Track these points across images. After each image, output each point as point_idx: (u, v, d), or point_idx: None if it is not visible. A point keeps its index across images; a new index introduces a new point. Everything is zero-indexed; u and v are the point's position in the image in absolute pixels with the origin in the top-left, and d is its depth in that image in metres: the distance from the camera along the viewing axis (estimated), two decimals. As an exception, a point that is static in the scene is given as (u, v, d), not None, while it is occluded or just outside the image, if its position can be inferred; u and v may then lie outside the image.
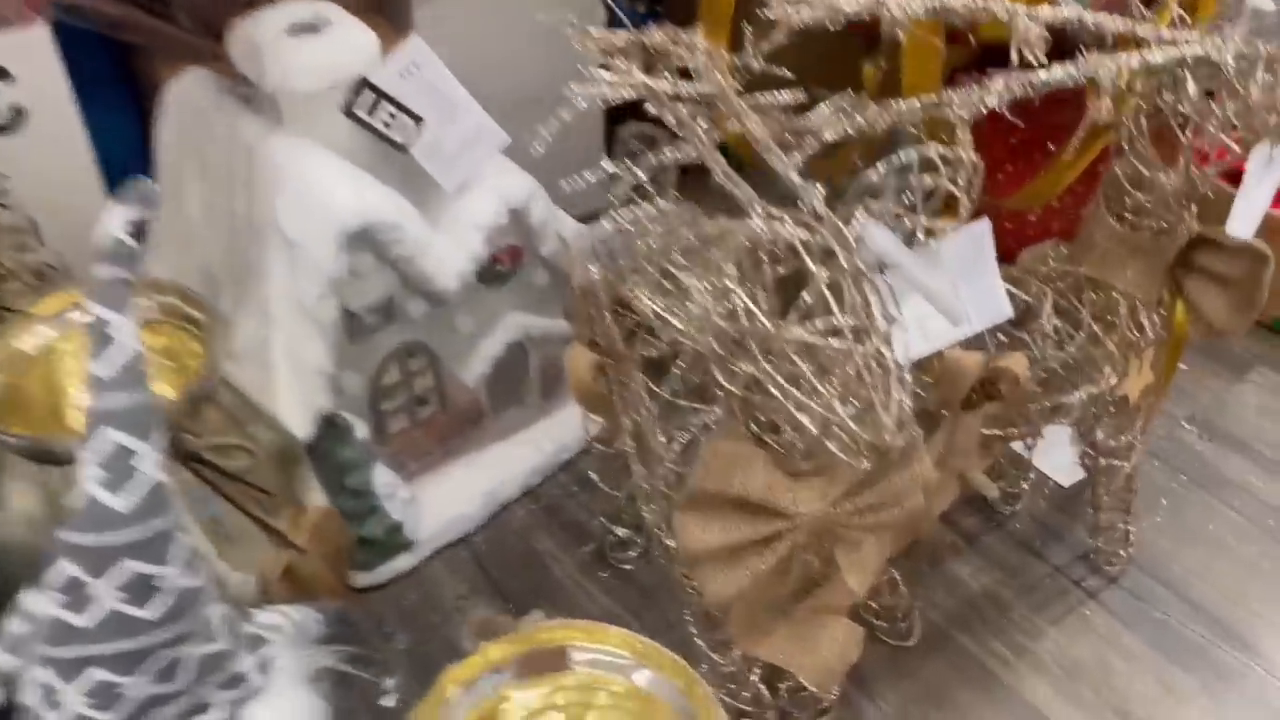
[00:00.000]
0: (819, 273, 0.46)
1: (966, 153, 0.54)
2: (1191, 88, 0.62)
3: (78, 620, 0.45)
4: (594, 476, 0.83)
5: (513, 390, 0.92)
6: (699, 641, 0.68)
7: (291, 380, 0.72)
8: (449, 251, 0.76)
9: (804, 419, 0.48)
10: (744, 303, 0.47)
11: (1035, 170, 0.85)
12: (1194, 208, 0.65)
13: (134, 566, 0.44)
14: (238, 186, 0.73)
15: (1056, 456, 0.94)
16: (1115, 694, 0.77)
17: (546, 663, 0.49)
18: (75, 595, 0.45)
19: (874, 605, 0.78)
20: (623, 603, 0.84)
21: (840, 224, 0.48)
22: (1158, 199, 0.65)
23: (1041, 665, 0.79)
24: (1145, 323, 0.68)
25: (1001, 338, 0.66)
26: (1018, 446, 0.89)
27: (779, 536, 0.55)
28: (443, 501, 0.87)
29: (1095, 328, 0.67)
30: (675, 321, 0.49)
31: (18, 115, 0.79)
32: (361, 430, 0.79)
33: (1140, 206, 0.65)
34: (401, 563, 0.84)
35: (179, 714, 0.50)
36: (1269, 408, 0.99)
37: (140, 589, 0.45)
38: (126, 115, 0.90)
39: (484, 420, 0.91)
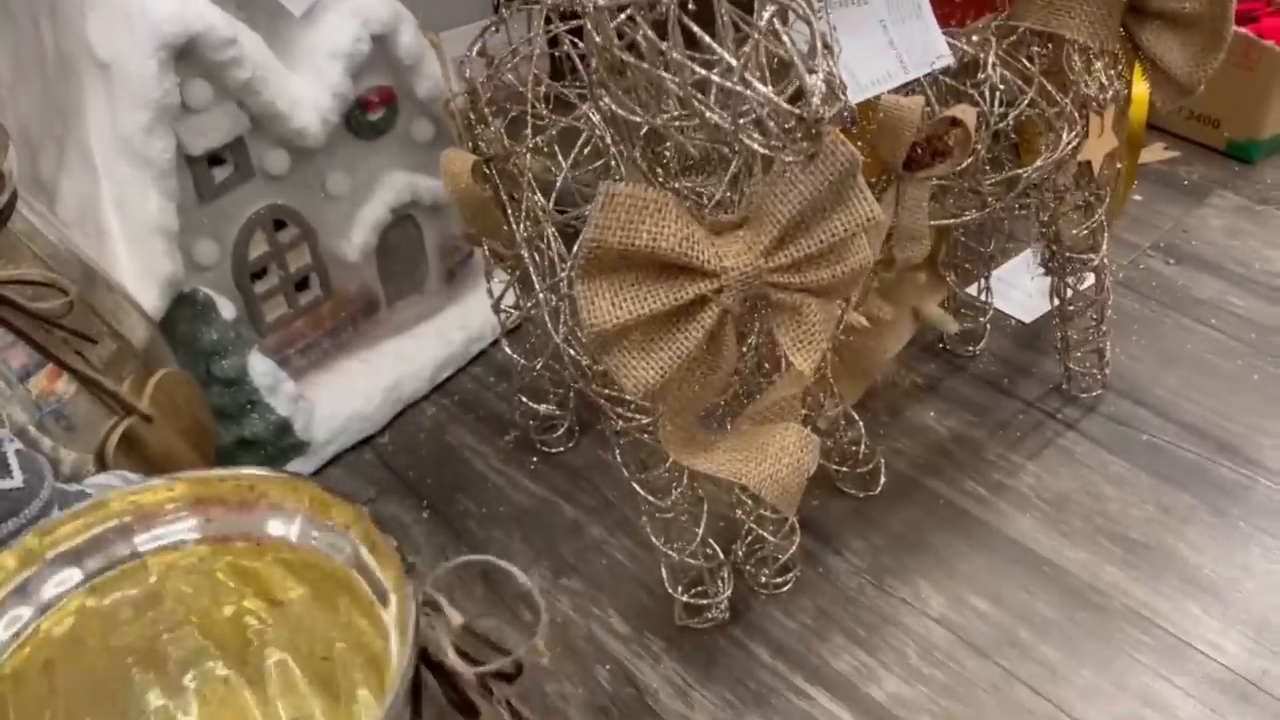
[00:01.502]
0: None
1: None
2: None
3: None
4: (504, 345, 0.73)
5: (408, 275, 0.81)
6: (637, 489, 0.58)
7: (128, 242, 0.61)
8: (305, 86, 0.65)
9: (715, 116, 0.38)
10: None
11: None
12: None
13: None
14: (42, 19, 0.62)
15: (1015, 294, 0.86)
16: (1108, 520, 0.69)
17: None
18: None
19: (830, 443, 0.69)
20: (552, 487, 0.74)
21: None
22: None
23: (1023, 500, 0.70)
24: (1103, 77, 0.60)
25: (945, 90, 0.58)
26: (973, 290, 0.81)
27: (704, 303, 0.45)
28: (337, 399, 0.76)
29: (1047, 85, 0.59)
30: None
31: None
32: (228, 310, 0.68)
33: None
34: (295, 468, 0.73)
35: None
36: (1235, 228, 0.91)
37: None
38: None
39: (379, 311, 0.81)
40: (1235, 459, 0.72)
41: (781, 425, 0.53)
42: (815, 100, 0.36)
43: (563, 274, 0.53)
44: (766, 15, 0.35)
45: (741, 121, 0.38)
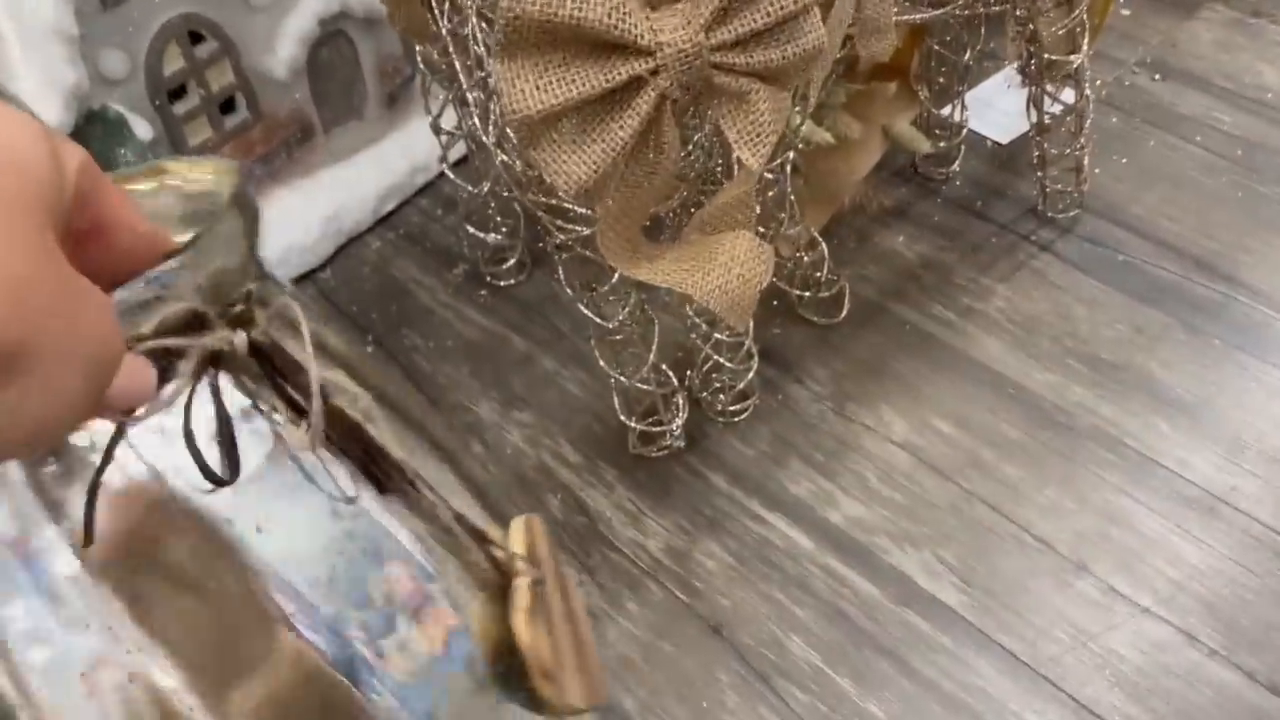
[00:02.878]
0: None
1: None
2: None
3: None
4: (447, 169, 0.68)
5: (344, 99, 0.76)
6: (582, 308, 0.55)
7: (24, 48, 0.56)
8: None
9: None
10: None
11: None
12: None
13: None
14: None
15: (991, 115, 0.81)
16: (1078, 341, 0.66)
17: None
18: None
19: (792, 267, 0.65)
20: (503, 320, 0.71)
21: None
22: None
23: (991, 323, 0.68)
24: None
25: None
26: (947, 110, 0.76)
27: (639, 86, 0.41)
28: (272, 230, 0.70)
29: None
30: None
31: None
32: (144, 130, 0.63)
33: None
34: (230, 303, 0.70)
35: None
36: (1226, 41, 0.86)
37: None
38: None
39: (314, 138, 0.76)
40: (1212, 276, 0.69)
41: (732, 234, 0.49)
42: None
43: (490, 67, 0.49)
44: None
45: None
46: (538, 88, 0.40)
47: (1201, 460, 0.59)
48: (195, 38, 0.66)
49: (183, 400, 0.29)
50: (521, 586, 0.38)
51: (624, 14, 0.39)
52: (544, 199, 0.50)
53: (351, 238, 0.76)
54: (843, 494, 0.59)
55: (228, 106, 0.70)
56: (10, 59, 0.57)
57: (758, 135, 0.44)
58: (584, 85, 0.40)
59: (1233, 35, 0.87)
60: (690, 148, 0.48)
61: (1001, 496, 0.58)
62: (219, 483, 0.30)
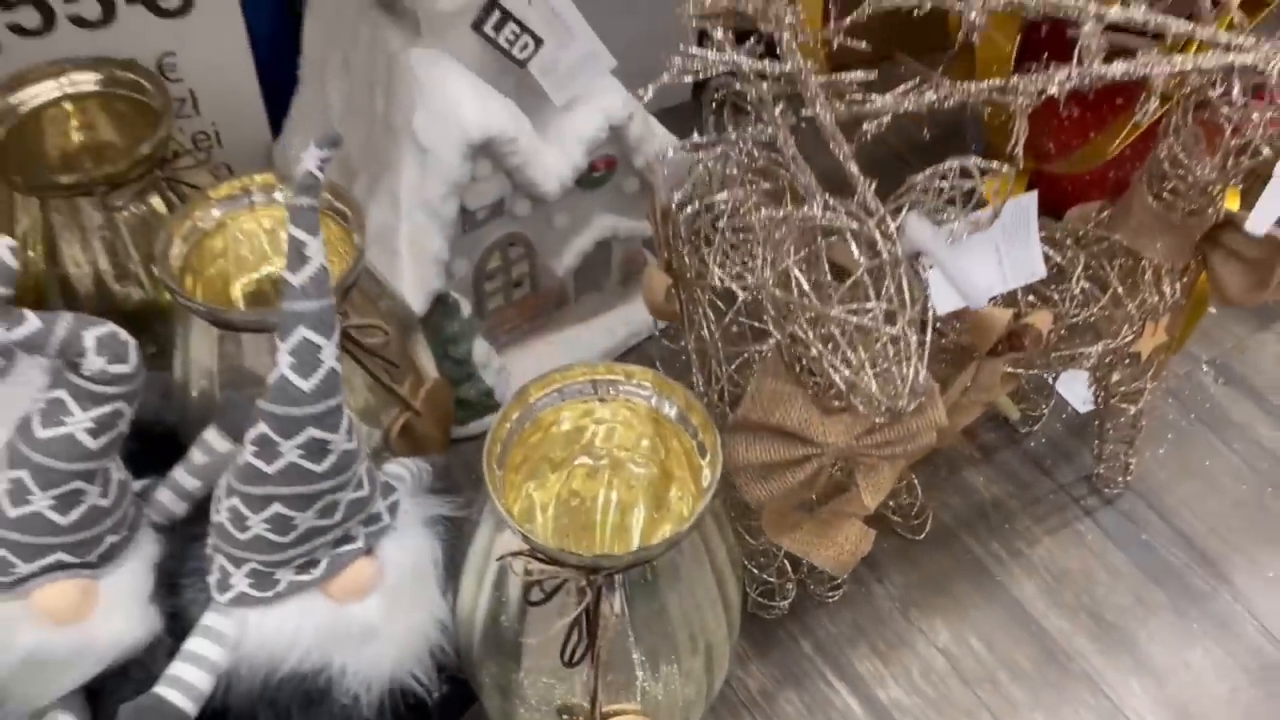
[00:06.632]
0: (862, 261, 0.56)
1: (1018, 144, 0.63)
2: (1237, 92, 0.68)
3: (266, 468, 0.56)
4: (658, 367, 0.94)
5: (594, 278, 1.02)
6: (739, 529, 0.81)
7: (413, 265, 0.84)
8: (555, 160, 0.85)
9: (836, 377, 0.58)
10: (801, 282, 0.57)
11: (1087, 135, 0.91)
12: (1227, 190, 0.73)
13: (312, 433, 0.56)
14: (377, 89, 0.83)
15: (1077, 387, 1.03)
16: (1093, 600, 0.89)
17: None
18: (266, 449, 0.56)
19: (892, 503, 0.90)
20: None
21: (887, 216, 0.57)
22: (1193, 185, 0.72)
23: (1033, 569, 0.91)
24: (1167, 289, 0.76)
25: (1032, 297, 0.75)
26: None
27: (809, 459, 0.66)
28: (528, 372, 0.99)
29: (1120, 291, 0.76)
30: (738, 288, 0.59)
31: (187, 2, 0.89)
32: (466, 308, 0.91)
33: (1177, 189, 0.73)
34: (490, 420, 0.97)
35: (331, 542, 0.63)
36: (1289, 359, 1.06)
37: (315, 449, 0.56)
38: (278, 6, 0.98)
39: (567, 304, 1.03)
40: (1209, 571, 0.91)
41: (848, 520, 0.74)
42: (902, 399, 0.56)
43: (717, 386, 0.75)
44: (881, 343, 0.55)
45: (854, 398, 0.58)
46: (746, 450, 0.66)
47: (1155, 719, 0.82)
48: (509, 242, 0.93)
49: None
50: None
51: (808, 423, 0.64)
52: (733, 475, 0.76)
53: (579, 380, 1.03)
54: (892, 680, 0.84)
55: (517, 284, 0.97)
56: (401, 269, 0.84)
57: (879, 489, 0.69)
58: (775, 455, 0.66)
59: (1297, 354, 1.06)
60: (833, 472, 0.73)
61: (1004, 711, 0.83)
62: None
